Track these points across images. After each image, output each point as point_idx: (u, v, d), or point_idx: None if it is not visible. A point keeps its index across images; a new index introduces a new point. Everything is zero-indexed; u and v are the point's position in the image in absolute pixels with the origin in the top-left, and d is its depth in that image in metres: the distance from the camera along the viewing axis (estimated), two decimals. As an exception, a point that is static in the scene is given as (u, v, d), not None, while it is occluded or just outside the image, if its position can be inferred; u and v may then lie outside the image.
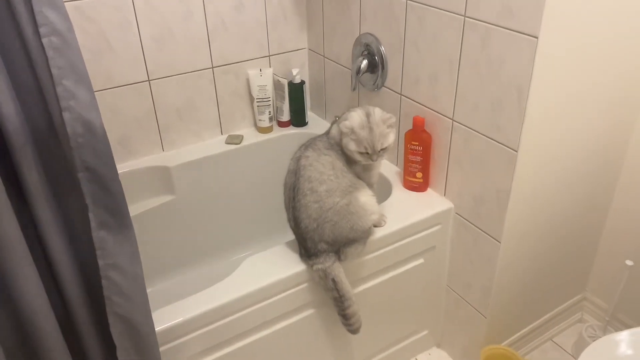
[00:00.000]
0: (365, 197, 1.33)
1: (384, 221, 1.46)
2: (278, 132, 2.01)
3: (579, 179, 1.50)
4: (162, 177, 1.82)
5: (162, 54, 1.72)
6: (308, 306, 1.40)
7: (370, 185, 1.38)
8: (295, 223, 1.32)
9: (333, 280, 1.30)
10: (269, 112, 1.95)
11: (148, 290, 0.94)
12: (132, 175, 1.79)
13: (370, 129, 1.28)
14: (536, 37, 1.16)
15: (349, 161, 1.33)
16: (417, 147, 1.53)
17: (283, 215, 1.38)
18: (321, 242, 1.30)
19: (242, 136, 1.95)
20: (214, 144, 1.92)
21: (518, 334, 1.71)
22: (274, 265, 1.34)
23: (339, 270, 1.31)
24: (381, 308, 1.58)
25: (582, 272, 1.81)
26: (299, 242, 1.35)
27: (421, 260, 1.58)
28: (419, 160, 1.55)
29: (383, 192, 1.60)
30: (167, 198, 1.85)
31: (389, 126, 1.31)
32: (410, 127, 1.55)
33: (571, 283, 1.80)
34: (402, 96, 1.61)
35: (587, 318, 1.88)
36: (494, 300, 1.53)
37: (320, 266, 1.30)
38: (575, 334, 1.84)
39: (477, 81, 1.33)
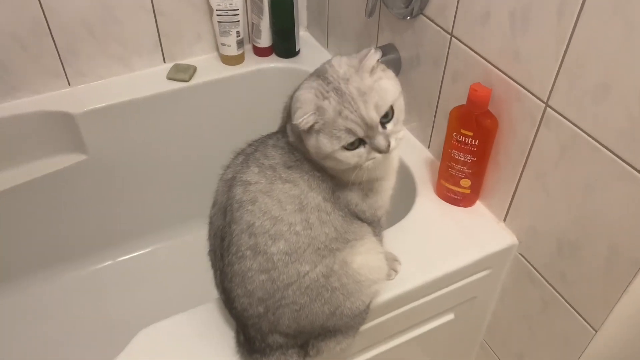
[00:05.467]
0: (364, 256, 0.70)
1: (396, 271, 0.84)
2: (252, 64, 1.31)
3: None
4: (66, 128, 1.18)
5: None
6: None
7: (373, 222, 0.74)
8: (227, 297, 0.70)
9: None
10: (237, 32, 1.25)
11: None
12: (14, 122, 1.15)
13: (339, 90, 0.61)
14: None
15: (336, 185, 0.67)
16: (469, 139, 0.86)
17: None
18: (274, 334, 0.70)
19: (194, 68, 1.27)
20: (149, 79, 1.24)
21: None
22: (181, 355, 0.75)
23: None
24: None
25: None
26: (236, 323, 0.74)
27: (450, 317, 0.98)
28: (470, 161, 0.89)
29: (401, 198, 0.94)
30: (74, 158, 1.23)
31: (373, 70, 0.63)
32: (463, 100, 0.87)
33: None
34: (454, 38, 0.90)
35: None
36: (560, 393, 0.95)
37: None
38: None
39: (615, 42, 0.64)
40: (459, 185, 0.93)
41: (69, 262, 1.35)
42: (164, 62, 1.28)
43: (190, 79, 1.25)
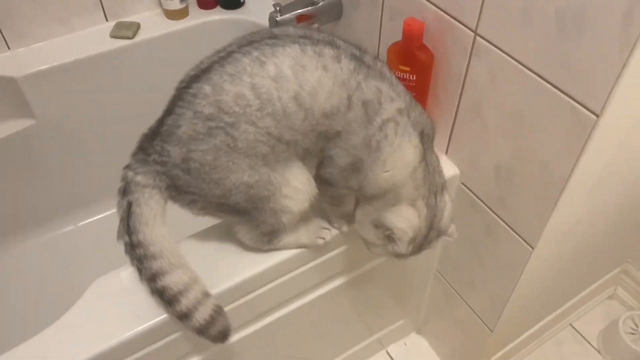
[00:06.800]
0: (300, 177, 0.75)
1: (323, 238, 0.84)
2: (197, 18, 1.30)
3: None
4: (9, 93, 1.16)
5: None
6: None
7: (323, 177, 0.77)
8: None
9: (129, 205, 0.73)
10: (179, -15, 1.24)
11: None
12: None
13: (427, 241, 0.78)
14: None
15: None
16: (407, 74, 0.88)
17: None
18: (173, 145, 0.72)
19: (137, 24, 1.25)
20: (92, 38, 1.23)
21: (530, 331, 1.23)
22: (132, 302, 0.78)
23: (152, 203, 0.74)
24: (342, 312, 1.06)
25: (624, 244, 1.27)
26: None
27: (402, 249, 1.02)
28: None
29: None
30: (23, 124, 1.21)
31: None
32: (398, 36, 0.88)
33: (609, 259, 1.27)
34: (388, -24, 0.92)
35: (621, 294, 1.40)
36: (507, 312, 1.01)
37: (130, 174, 0.76)
38: (603, 316, 1.37)
39: (537, -35, 0.66)
40: (401, 122, 0.95)
41: (29, 229, 1.35)
42: (106, 20, 1.26)
43: (134, 36, 1.23)
